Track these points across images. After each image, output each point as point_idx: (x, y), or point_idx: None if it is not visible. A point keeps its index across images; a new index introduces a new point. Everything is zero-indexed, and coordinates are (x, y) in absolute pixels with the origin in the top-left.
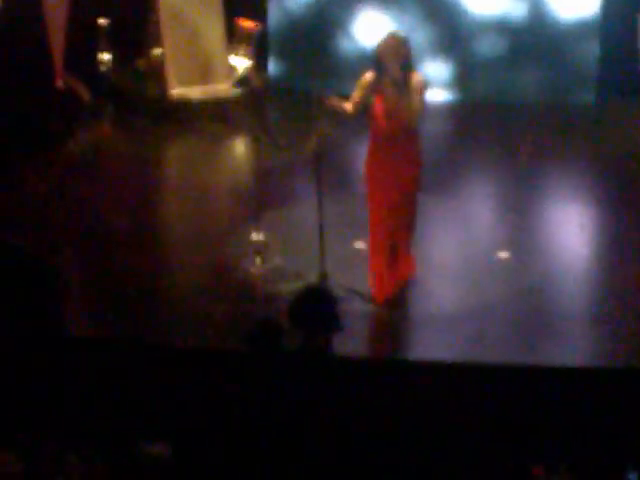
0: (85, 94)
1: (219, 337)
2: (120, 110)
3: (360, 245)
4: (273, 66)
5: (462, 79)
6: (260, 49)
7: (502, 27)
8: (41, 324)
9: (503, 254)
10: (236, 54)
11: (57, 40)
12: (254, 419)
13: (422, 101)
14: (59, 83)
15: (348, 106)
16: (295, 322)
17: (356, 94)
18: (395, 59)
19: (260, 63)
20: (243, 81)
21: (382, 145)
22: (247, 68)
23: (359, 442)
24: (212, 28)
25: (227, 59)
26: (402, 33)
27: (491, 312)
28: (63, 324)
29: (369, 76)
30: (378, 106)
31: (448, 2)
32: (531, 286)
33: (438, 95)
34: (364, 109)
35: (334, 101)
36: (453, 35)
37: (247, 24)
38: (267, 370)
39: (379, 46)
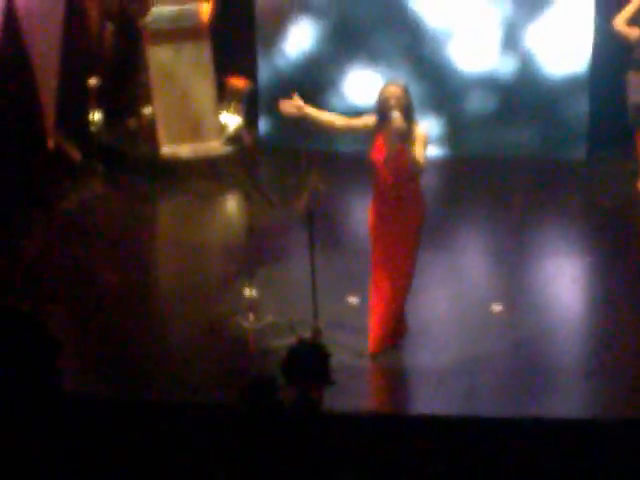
0: (76, 154)
1: (213, 393)
2: (111, 169)
3: (352, 300)
4: (263, 124)
5: (452, 135)
6: (250, 107)
7: (491, 83)
8: (36, 383)
9: (497, 307)
10: (227, 112)
11: (47, 100)
12: (250, 474)
13: (423, 152)
14: (50, 143)
15: (334, 119)
16: (287, 377)
17: (356, 122)
18: (397, 107)
19: (250, 121)
20: (234, 139)
21: (383, 194)
22: (238, 126)
23: None
24: (202, 86)
25: (217, 117)
26: (402, 81)
27: (485, 365)
28: (58, 383)
29: (372, 120)
30: (379, 154)
31: (437, 60)
32: (525, 339)
33: (428, 151)
34: (348, 133)
35: (296, 108)
36: (442, 92)
37: (237, 82)
38: (260, 426)
39: (381, 94)
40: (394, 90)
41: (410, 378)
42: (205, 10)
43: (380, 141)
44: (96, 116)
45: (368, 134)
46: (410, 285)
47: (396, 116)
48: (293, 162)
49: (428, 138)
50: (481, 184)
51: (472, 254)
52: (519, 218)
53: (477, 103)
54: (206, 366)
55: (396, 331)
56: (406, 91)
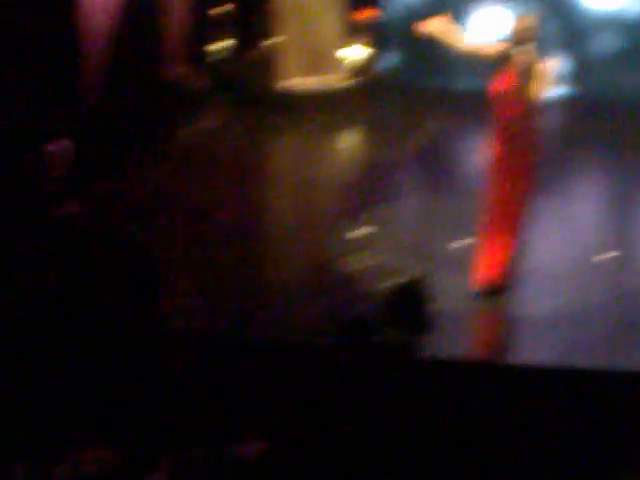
0: (201, 83)
1: (317, 333)
2: (232, 100)
3: (465, 242)
4: (387, 57)
5: (579, 74)
6: (375, 40)
7: (619, 23)
8: (143, 318)
9: (609, 255)
10: (350, 45)
11: (176, 30)
12: (346, 417)
13: (545, 84)
14: (174, 73)
15: (468, 42)
16: (386, 318)
17: (486, 47)
18: (529, 40)
19: (374, 54)
20: (357, 72)
21: (503, 129)
22: (360, 59)
23: (450, 445)
24: (329, 18)
25: (340, 50)
26: (535, 16)
27: (595, 314)
28: (160, 317)
29: (503, 48)
30: (501, 86)
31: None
32: (637, 288)
33: (554, 90)
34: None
35: (437, 27)
36: (571, 31)
37: (363, 15)
38: (357, 367)
39: (517, 22)
40: (528, 23)
41: (516, 326)
42: None
43: (505, 73)
44: (220, 47)
45: (493, 64)
46: (523, 225)
47: (526, 49)
48: (414, 98)
49: (551, 74)
50: (605, 125)
51: (587, 198)
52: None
53: (605, 43)
54: (315, 304)
55: (505, 273)
56: (537, 25)
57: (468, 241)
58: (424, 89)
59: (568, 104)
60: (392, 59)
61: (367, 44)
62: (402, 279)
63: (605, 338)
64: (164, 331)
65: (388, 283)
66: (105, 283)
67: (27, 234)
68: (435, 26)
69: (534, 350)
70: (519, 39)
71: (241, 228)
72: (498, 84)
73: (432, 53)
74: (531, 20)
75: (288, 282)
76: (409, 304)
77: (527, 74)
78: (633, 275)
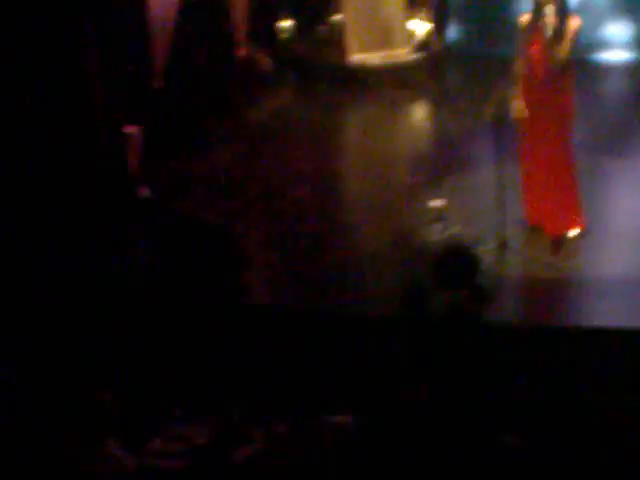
0: (267, 62)
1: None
2: (301, 78)
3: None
4: (453, 30)
5: None
6: (440, 13)
7: None
8: (223, 292)
9: None
10: (415, 19)
11: (240, 9)
12: (426, 388)
13: (572, 42)
14: (242, 52)
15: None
16: (436, 282)
17: (525, 39)
18: (552, 3)
19: (440, 27)
20: (423, 46)
21: (533, 88)
22: (426, 33)
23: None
24: None
25: (406, 24)
26: None
27: None
28: (243, 292)
29: (526, 18)
30: (534, 49)
31: None
32: None
33: (618, 55)
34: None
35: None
36: None
37: None
38: (414, 336)
39: None
40: None
41: (591, 290)
42: None
43: (537, 34)
44: (286, 25)
45: (524, 29)
46: (574, 171)
47: (550, 10)
48: (481, 69)
49: (580, 27)
50: None
51: None
52: None
53: None
54: (391, 277)
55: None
56: None
57: None
58: (488, 59)
59: (632, 68)
60: (454, 32)
61: (428, 18)
62: (486, 248)
63: None
64: (251, 306)
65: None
66: (190, 263)
67: (114, 217)
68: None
69: (611, 314)
70: (540, 4)
71: (317, 204)
72: (532, 45)
73: (492, 23)
74: None
75: (366, 255)
76: (458, 269)
77: (553, 36)
78: None
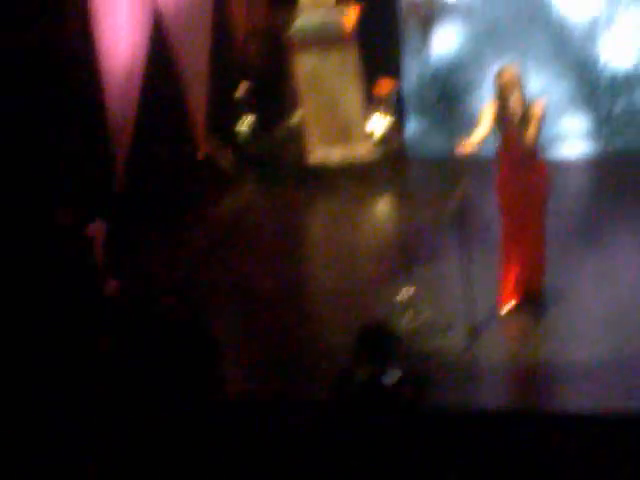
0: (227, 161)
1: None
2: (262, 176)
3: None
4: (411, 125)
5: (601, 132)
6: (399, 108)
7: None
8: (201, 388)
9: None
10: (375, 115)
11: (197, 109)
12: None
13: (539, 126)
14: (200, 152)
15: (478, 133)
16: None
17: (487, 114)
18: (514, 90)
19: (398, 123)
20: (382, 142)
21: (509, 168)
22: (385, 129)
23: None
24: (349, 91)
25: (365, 121)
26: (517, 65)
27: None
28: (214, 386)
29: (493, 105)
30: (506, 134)
31: (585, 56)
32: None
33: (576, 148)
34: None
35: (467, 147)
36: (591, 88)
37: (384, 84)
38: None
39: (498, 79)
40: (509, 75)
41: (555, 374)
42: (350, 15)
43: (505, 118)
44: (245, 124)
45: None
46: (543, 244)
47: (513, 99)
48: (441, 165)
49: (543, 114)
50: (632, 181)
51: (627, 253)
52: None
53: (625, 99)
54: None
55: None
56: (519, 74)
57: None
58: (446, 155)
59: (592, 162)
60: (413, 128)
61: (387, 114)
62: (454, 335)
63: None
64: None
65: (439, 340)
66: (160, 355)
67: (83, 313)
68: (468, 147)
69: (578, 397)
70: (506, 91)
71: (284, 297)
72: (503, 135)
73: (451, 120)
74: (512, 70)
75: (337, 345)
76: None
77: (522, 121)
78: None
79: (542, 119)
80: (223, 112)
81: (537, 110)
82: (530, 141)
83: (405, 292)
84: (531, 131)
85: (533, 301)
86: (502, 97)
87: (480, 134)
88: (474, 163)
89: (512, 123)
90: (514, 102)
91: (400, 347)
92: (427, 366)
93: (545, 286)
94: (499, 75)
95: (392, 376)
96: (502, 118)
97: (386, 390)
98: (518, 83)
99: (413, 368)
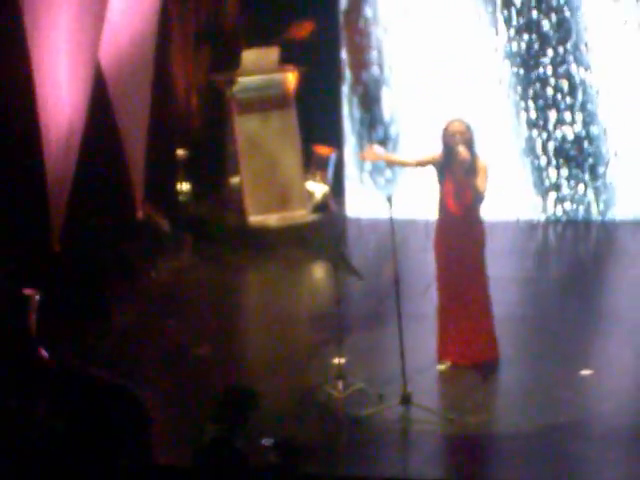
0: (165, 225)
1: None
2: (200, 239)
3: (441, 366)
4: (349, 191)
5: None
6: (336, 175)
7: None
8: (128, 454)
9: (586, 372)
10: (313, 180)
11: (137, 171)
12: None
13: (486, 182)
14: (139, 214)
15: (406, 158)
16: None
17: (424, 156)
18: (462, 142)
19: (337, 188)
20: (320, 207)
21: (448, 224)
22: (324, 194)
23: None
24: (289, 155)
25: (304, 185)
26: (466, 119)
27: (574, 430)
28: (149, 453)
29: (439, 155)
30: (447, 186)
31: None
32: (616, 404)
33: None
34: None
35: (370, 155)
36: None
37: (323, 150)
38: None
39: (447, 130)
40: (458, 126)
41: (493, 444)
42: (290, 78)
43: (447, 174)
44: (184, 187)
45: (435, 167)
46: (489, 311)
47: (461, 150)
48: (378, 230)
49: (488, 169)
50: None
51: (566, 317)
52: None
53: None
54: (295, 433)
55: (480, 355)
56: (469, 127)
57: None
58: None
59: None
60: (352, 191)
61: (324, 180)
62: (388, 404)
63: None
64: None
65: (373, 409)
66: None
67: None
68: (371, 154)
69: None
70: (453, 142)
71: (219, 362)
72: (442, 186)
73: (391, 183)
74: (461, 122)
75: (271, 412)
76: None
77: (468, 172)
78: (611, 390)
79: (488, 174)
80: (162, 173)
81: (484, 164)
82: (479, 191)
83: (336, 361)
84: (480, 182)
85: (485, 368)
86: (448, 148)
87: (398, 157)
88: (413, 224)
89: (455, 175)
90: (460, 154)
91: (256, 409)
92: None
93: (498, 355)
94: (448, 126)
95: (245, 438)
96: (445, 169)
97: (236, 450)
98: (466, 135)
99: (289, 436)
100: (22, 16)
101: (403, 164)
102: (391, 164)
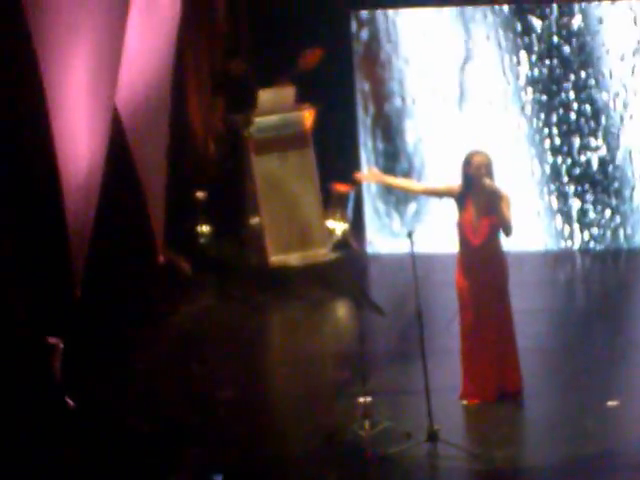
0: (186, 267)
1: None
2: (221, 281)
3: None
4: (369, 227)
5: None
6: (356, 212)
7: None
8: None
9: (613, 402)
10: (333, 218)
11: (157, 215)
12: None
13: (510, 212)
14: (160, 258)
15: (411, 184)
16: None
17: (438, 186)
18: (486, 174)
19: (357, 225)
20: (341, 245)
21: (469, 257)
22: (344, 231)
23: None
24: (308, 193)
25: (324, 223)
26: (486, 150)
27: (602, 461)
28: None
29: (458, 186)
30: (465, 220)
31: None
32: None
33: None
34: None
35: (374, 176)
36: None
37: (341, 187)
38: None
39: (470, 162)
40: (483, 158)
41: (521, 478)
42: (307, 117)
43: (468, 206)
44: (205, 229)
45: (450, 198)
46: (513, 342)
47: (488, 182)
48: (400, 266)
49: (510, 199)
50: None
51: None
52: None
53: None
54: (324, 475)
55: (510, 387)
56: (490, 158)
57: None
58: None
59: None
60: (373, 228)
61: (343, 218)
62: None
63: None
64: None
65: (399, 447)
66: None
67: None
68: (370, 176)
69: None
70: (478, 175)
71: (245, 405)
72: (464, 217)
73: (412, 218)
74: (484, 156)
75: (298, 453)
76: None
77: (493, 203)
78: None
79: (510, 203)
80: (182, 216)
81: (506, 194)
82: (506, 221)
83: (362, 399)
84: (505, 213)
85: (511, 400)
86: (471, 179)
87: (402, 182)
88: (435, 258)
89: (477, 207)
90: (487, 186)
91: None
92: None
93: (522, 387)
94: (471, 158)
95: None
96: (464, 201)
97: None
98: (489, 168)
99: None
100: (38, 62)
101: (408, 190)
102: (393, 189)
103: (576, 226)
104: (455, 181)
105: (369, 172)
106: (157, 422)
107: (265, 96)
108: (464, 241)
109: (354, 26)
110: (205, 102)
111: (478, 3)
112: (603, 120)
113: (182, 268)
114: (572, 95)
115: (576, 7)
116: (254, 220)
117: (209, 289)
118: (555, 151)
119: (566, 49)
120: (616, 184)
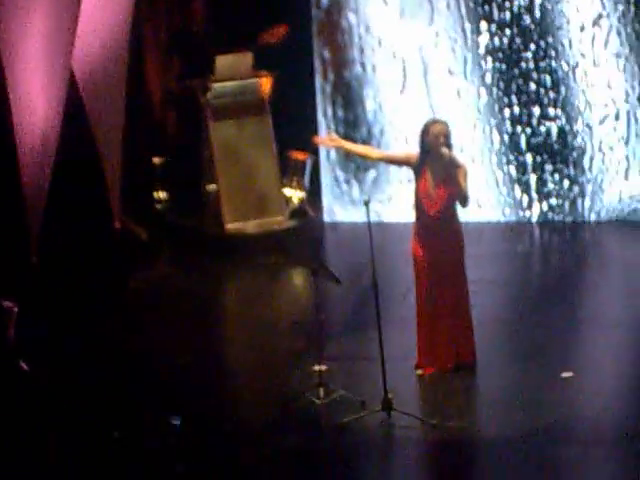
0: (142, 233)
1: (285, 469)
2: (178, 247)
3: (421, 371)
4: (326, 196)
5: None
6: (313, 180)
7: None
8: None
9: (567, 374)
10: (289, 186)
11: (113, 180)
12: None
13: (466, 182)
14: (117, 224)
15: (368, 150)
16: None
17: (396, 154)
18: (444, 143)
19: (314, 193)
20: (298, 213)
21: (425, 226)
22: (301, 199)
23: None
24: (265, 161)
25: (281, 191)
26: (444, 119)
27: (556, 432)
28: None
29: (415, 155)
30: (422, 189)
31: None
32: (598, 406)
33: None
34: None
35: (331, 141)
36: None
37: (299, 155)
38: None
39: (429, 132)
40: (441, 127)
41: (474, 450)
42: (265, 83)
43: (425, 175)
44: (161, 195)
45: (408, 167)
46: (468, 314)
47: (446, 151)
48: (359, 235)
49: (467, 168)
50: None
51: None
52: None
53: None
54: (278, 442)
55: (461, 357)
56: (449, 127)
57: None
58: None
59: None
60: (332, 196)
61: (300, 186)
62: (370, 410)
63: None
64: None
65: (354, 416)
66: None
67: None
68: (326, 140)
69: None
70: (436, 144)
71: (201, 369)
72: (420, 185)
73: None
74: (443, 125)
75: (252, 421)
76: None
77: (450, 173)
78: (592, 392)
79: (467, 173)
80: (138, 182)
81: (463, 164)
82: (463, 191)
83: (317, 368)
84: (461, 182)
85: (466, 370)
86: (429, 148)
87: (359, 148)
88: (392, 227)
89: (434, 176)
90: (445, 156)
91: None
92: None
93: (475, 358)
94: (430, 127)
95: None
96: (422, 170)
97: None
98: (448, 136)
99: None
100: None
101: (366, 157)
102: (352, 155)
103: (535, 196)
104: (414, 149)
105: (327, 137)
106: (109, 389)
107: (223, 62)
108: (420, 210)
109: None
110: (162, 67)
111: None
112: (563, 90)
113: (138, 234)
114: (532, 65)
115: None
116: (211, 187)
117: (165, 255)
118: (514, 121)
119: (526, 18)
120: (575, 154)
